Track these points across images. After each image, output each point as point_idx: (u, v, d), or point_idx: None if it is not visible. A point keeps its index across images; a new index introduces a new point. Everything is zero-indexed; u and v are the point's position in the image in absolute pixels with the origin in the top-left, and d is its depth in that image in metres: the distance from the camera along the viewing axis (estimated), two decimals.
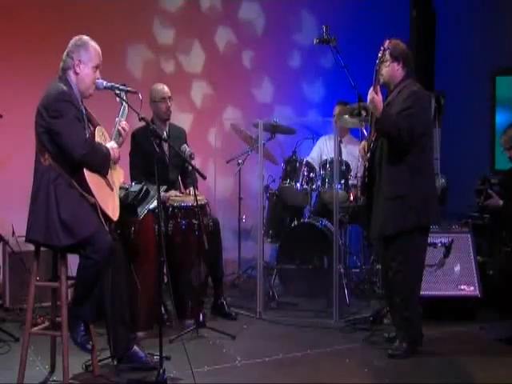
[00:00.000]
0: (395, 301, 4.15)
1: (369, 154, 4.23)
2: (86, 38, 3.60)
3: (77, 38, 3.60)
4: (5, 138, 4.95)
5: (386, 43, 4.03)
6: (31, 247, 3.56)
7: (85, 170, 3.38)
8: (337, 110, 5.81)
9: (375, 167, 4.19)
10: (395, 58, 4.14)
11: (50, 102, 3.41)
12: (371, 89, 4.02)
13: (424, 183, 4.10)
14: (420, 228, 4.09)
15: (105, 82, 3.64)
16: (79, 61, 3.52)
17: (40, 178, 3.44)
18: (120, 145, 3.70)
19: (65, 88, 3.48)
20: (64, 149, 3.37)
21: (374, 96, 3.98)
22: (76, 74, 3.54)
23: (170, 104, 4.91)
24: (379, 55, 4.02)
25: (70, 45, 3.57)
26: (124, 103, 3.67)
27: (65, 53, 3.57)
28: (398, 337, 4.15)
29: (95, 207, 3.41)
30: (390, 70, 4.15)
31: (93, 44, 3.60)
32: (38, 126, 3.44)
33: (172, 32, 6.23)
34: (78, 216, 3.37)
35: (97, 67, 3.59)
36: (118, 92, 3.67)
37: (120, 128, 3.67)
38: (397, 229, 4.03)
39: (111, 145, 3.59)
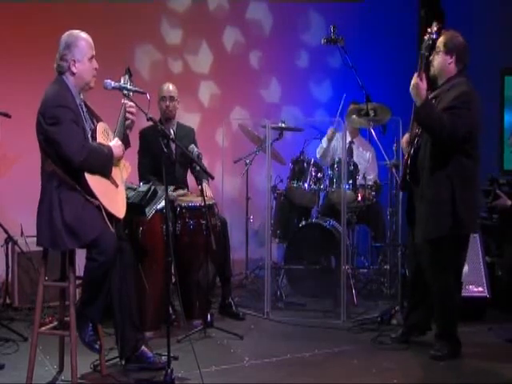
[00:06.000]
0: (437, 310, 4.05)
1: (412, 151, 3.95)
2: (74, 32, 3.52)
3: (65, 36, 3.50)
4: (14, 138, 4.97)
5: (434, 26, 3.73)
6: (40, 247, 3.57)
7: (86, 174, 3.37)
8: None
9: (417, 167, 3.93)
10: (449, 50, 3.85)
11: (46, 109, 3.38)
12: (415, 74, 3.73)
13: (467, 194, 3.86)
14: (460, 236, 3.91)
15: (113, 83, 3.62)
16: (73, 60, 3.46)
17: (45, 183, 3.45)
18: (130, 129, 3.69)
19: (60, 91, 3.43)
20: (62, 156, 3.36)
21: (418, 82, 3.67)
22: (73, 74, 3.49)
23: (169, 104, 4.93)
24: (425, 38, 3.74)
25: (60, 46, 3.48)
26: (124, 107, 3.64)
27: (57, 55, 3.49)
28: (438, 341, 4.04)
29: (100, 209, 3.41)
30: (441, 61, 3.87)
31: (83, 36, 3.51)
32: (38, 133, 3.42)
33: (180, 32, 6.25)
34: (82, 219, 3.36)
35: (92, 57, 3.53)
36: (125, 92, 3.65)
37: (127, 112, 3.63)
38: (437, 233, 3.84)
39: (114, 143, 3.56)
